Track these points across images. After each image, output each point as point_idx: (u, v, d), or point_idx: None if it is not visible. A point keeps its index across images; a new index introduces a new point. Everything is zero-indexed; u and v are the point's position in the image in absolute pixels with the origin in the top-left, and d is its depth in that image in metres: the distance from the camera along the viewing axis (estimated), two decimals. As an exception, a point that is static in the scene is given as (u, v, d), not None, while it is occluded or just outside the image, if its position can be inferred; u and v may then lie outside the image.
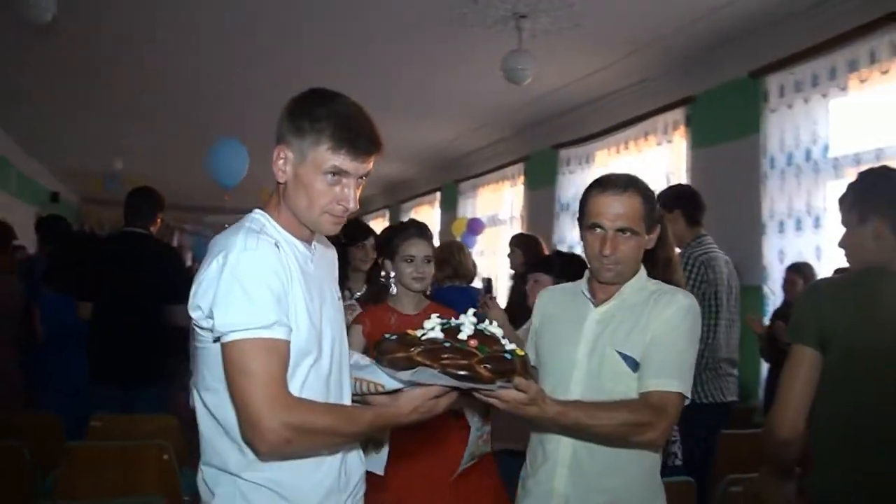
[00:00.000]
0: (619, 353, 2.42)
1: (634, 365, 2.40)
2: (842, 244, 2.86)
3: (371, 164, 2.02)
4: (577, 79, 8.24)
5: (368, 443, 2.32)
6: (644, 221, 2.49)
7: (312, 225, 2.04)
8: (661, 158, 7.88)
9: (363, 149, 1.97)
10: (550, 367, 2.56)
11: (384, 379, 2.01)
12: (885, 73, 5.44)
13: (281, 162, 1.99)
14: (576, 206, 9.06)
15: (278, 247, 1.95)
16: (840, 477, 2.53)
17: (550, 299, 2.79)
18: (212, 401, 1.99)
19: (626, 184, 2.51)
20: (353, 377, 2.14)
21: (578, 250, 8.42)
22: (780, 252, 6.29)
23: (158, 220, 5.48)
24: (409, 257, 3.48)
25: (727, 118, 7.03)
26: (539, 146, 10.23)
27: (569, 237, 9.45)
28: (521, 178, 10.98)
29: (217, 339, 1.89)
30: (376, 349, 2.07)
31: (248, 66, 8.15)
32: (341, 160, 1.94)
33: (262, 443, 1.83)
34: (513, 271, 6.78)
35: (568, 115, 9.50)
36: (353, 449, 2.15)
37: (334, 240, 3.54)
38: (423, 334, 2.02)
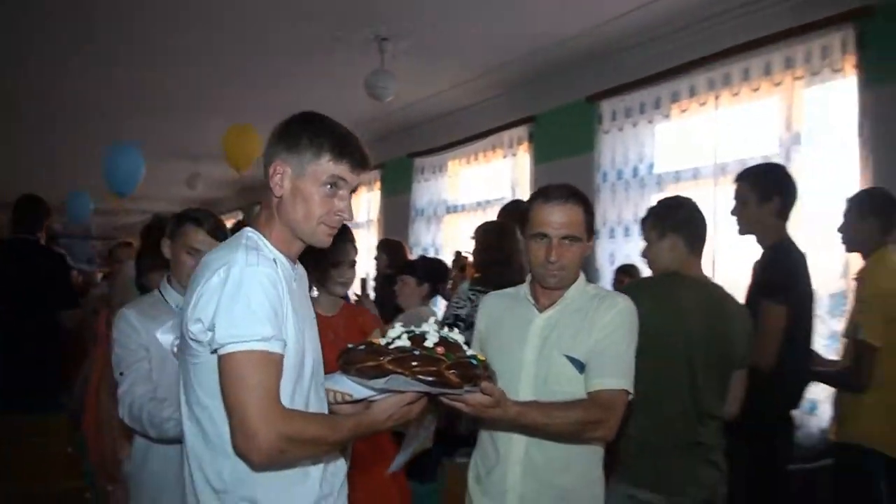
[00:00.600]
0: (567, 357, 2.51)
1: (581, 367, 2.51)
2: (644, 255, 3.54)
3: (362, 180, 2.12)
4: (433, 94, 8.68)
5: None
6: (585, 229, 2.60)
7: (308, 236, 2.07)
8: (507, 170, 8.50)
9: (360, 161, 2.05)
10: (498, 370, 2.45)
11: (351, 388, 2.05)
12: (702, 104, 6.22)
13: (278, 177, 2.02)
14: (430, 212, 9.44)
15: (275, 262, 1.98)
16: (639, 432, 3.10)
17: (494, 305, 2.83)
18: (204, 417, 1.98)
19: (569, 194, 2.60)
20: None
21: (432, 253, 9.09)
22: (610, 255, 6.99)
23: (45, 227, 5.54)
24: (336, 263, 3.40)
25: (566, 137, 7.64)
26: (395, 154, 10.52)
27: (423, 240, 9.84)
28: (378, 184, 11.28)
29: (214, 351, 1.89)
30: (342, 359, 2.08)
31: (106, 70, 7.89)
32: (341, 170, 2.01)
33: (256, 453, 1.84)
34: (377, 273, 7.10)
35: (423, 126, 9.87)
36: (335, 457, 2.17)
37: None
38: (389, 342, 2.04)
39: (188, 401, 2.03)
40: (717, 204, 5.70)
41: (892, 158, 4.84)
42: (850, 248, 4.26)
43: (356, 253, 3.54)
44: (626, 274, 6.46)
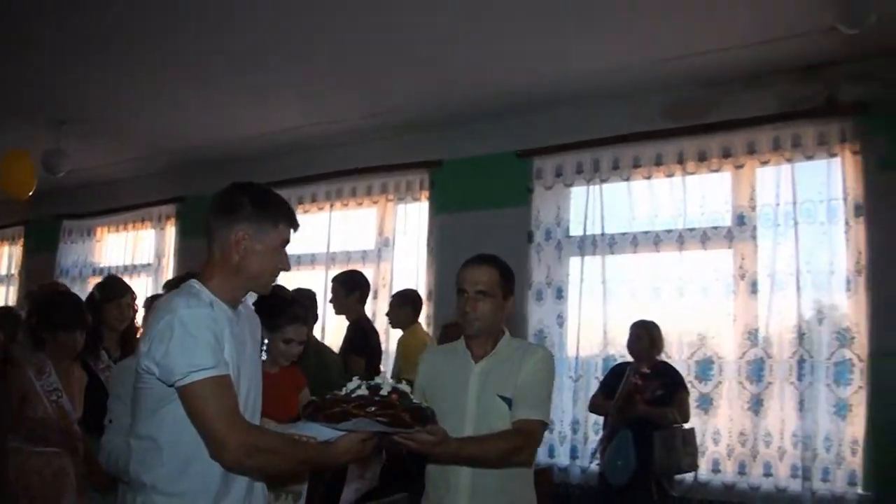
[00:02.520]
0: (500, 397, 2.78)
1: (510, 403, 2.77)
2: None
3: None
4: (93, 167, 8.85)
5: (288, 494, 2.72)
6: (500, 288, 2.86)
7: (261, 286, 2.34)
8: (153, 241, 9.14)
9: (296, 222, 2.35)
10: (444, 413, 2.65)
11: (316, 431, 2.23)
12: (320, 208, 7.83)
13: (242, 244, 2.22)
14: (76, 273, 10.01)
15: (212, 306, 2.16)
16: None
17: (434, 359, 3.14)
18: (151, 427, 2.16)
19: (486, 259, 2.93)
20: (287, 433, 2.32)
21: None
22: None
23: None
24: (288, 340, 3.40)
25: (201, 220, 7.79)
26: (42, 214, 10.20)
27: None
28: (21, 241, 10.84)
29: (172, 384, 2.06)
30: (310, 408, 2.31)
31: None
32: (289, 234, 2.31)
33: (227, 459, 2.07)
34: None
35: (76, 192, 9.66)
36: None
37: (89, 298, 4.03)
38: (350, 392, 2.27)
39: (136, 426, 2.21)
40: (327, 283, 6.79)
41: (447, 262, 6.62)
42: (394, 326, 5.89)
43: (309, 332, 3.65)
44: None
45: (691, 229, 5.90)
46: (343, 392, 2.29)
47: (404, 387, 2.34)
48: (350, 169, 7.49)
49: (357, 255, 7.52)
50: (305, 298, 4.66)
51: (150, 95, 6.73)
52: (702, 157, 5.92)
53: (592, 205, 6.36)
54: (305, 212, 7.83)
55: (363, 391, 2.26)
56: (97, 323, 4.15)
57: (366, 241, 7.55)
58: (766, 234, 5.65)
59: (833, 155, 5.47)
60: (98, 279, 9.68)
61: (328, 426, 2.22)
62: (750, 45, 5.27)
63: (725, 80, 5.81)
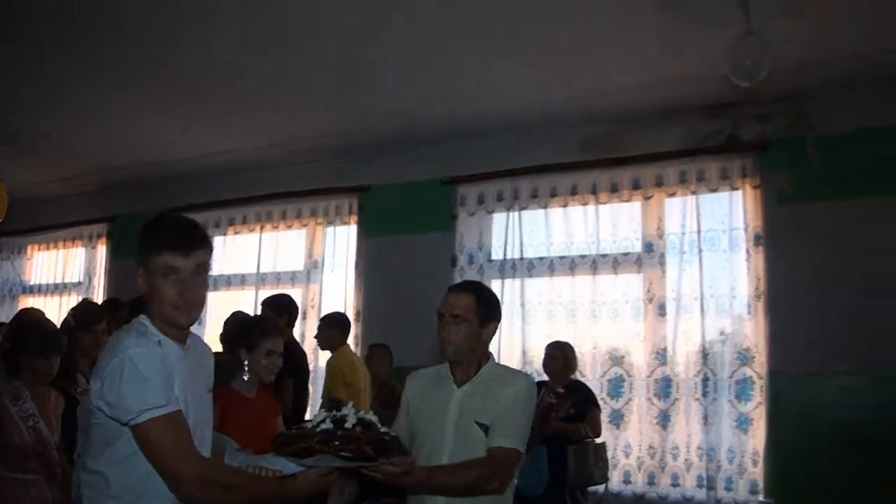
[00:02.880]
0: (477, 423, 2.75)
1: (487, 430, 2.75)
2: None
3: (201, 258, 2.24)
4: (25, 185, 8.64)
5: None
6: (476, 314, 2.83)
7: (169, 319, 2.23)
8: (84, 259, 9.18)
9: (185, 246, 2.20)
10: (425, 437, 2.81)
11: (282, 465, 2.25)
12: (251, 230, 7.84)
13: (140, 279, 2.22)
14: (5, 291, 9.86)
15: (160, 343, 2.18)
16: None
17: (419, 382, 3.05)
18: (102, 465, 2.18)
19: (467, 286, 2.99)
20: (253, 465, 2.34)
21: None
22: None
23: None
24: (269, 352, 3.44)
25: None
26: None
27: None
28: None
29: (126, 423, 2.08)
30: (277, 441, 2.30)
31: None
32: (171, 259, 2.18)
33: (182, 492, 2.08)
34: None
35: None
36: None
37: (64, 324, 4.02)
38: (315, 426, 2.25)
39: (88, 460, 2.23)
40: (257, 304, 6.82)
41: (375, 284, 7.05)
42: (323, 347, 6.03)
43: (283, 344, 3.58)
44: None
45: (604, 255, 6.22)
46: (309, 425, 2.29)
47: (371, 417, 2.32)
48: (280, 192, 7.60)
49: (286, 277, 7.59)
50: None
51: (83, 115, 6.78)
52: (614, 189, 6.26)
53: (512, 231, 6.63)
54: (236, 233, 7.93)
55: (328, 425, 2.25)
56: (71, 349, 4.12)
57: (295, 263, 7.62)
58: (672, 261, 5.99)
59: (735, 188, 5.85)
60: (29, 298, 9.84)
61: (293, 461, 2.24)
62: (660, 86, 5.59)
63: (637, 117, 6.15)
